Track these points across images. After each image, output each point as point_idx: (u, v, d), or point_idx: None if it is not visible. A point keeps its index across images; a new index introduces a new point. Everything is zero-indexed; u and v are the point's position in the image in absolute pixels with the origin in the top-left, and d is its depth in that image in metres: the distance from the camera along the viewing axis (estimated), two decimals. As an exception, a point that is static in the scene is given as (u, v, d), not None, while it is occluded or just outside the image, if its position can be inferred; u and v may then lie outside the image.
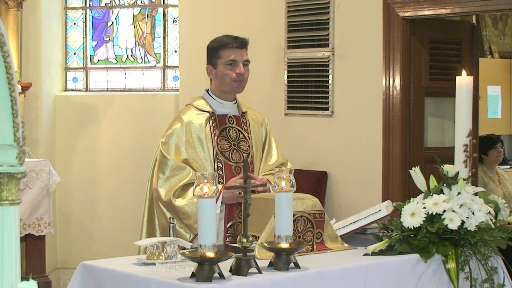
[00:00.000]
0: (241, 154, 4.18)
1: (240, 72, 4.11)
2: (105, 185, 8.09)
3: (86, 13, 8.38)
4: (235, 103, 4.26)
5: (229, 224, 4.04)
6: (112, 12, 8.40)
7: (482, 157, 7.17)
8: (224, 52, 4.12)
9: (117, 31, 8.40)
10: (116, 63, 8.39)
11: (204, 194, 2.98)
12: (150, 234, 4.17)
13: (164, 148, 4.08)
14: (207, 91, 4.25)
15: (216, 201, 3.87)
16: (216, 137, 4.14)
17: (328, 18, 6.58)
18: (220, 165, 4.11)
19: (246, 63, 4.16)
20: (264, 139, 4.35)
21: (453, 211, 3.53)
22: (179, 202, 3.97)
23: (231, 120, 4.22)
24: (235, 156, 4.16)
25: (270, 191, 3.91)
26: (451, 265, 3.47)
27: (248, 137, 4.25)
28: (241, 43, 4.15)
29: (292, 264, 3.18)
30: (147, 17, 8.34)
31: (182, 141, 4.08)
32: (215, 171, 4.07)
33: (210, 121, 4.16)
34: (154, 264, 3.24)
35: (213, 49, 4.17)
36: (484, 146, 7.14)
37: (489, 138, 7.29)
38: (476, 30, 6.75)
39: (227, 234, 4.03)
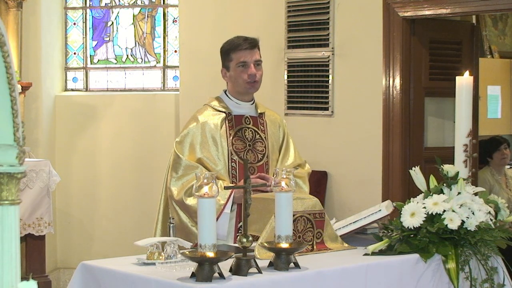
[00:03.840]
0: (256, 154, 4.21)
1: (251, 73, 4.14)
2: (105, 185, 8.09)
3: (86, 13, 8.38)
4: (252, 104, 4.30)
5: (240, 224, 4.05)
6: (112, 12, 8.40)
7: (488, 160, 7.15)
8: (235, 55, 4.16)
9: (117, 31, 8.40)
10: (116, 63, 8.39)
11: (204, 194, 2.98)
12: (164, 230, 4.20)
13: (178, 148, 4.13)
14: (225, 91, 4.29)
15: (227, 201, 3.92)
16: (231, 137, 4.17)
17: (328, 18, 6.58)
18: (234, 165, 4.15)
19: (257, 63, 4.19)
20: (282, 140, 4.37)
21: (453, 211, 3.53)
22: (190, 201, 4.01)
23: (247, 121, 4.25)
24: (250, 157, 4.19)
25: None
26: (451, 265, 3.46)
27: (265, 137, 4.28)
28: (251, 44, 4.18)
29: (292, 264, 3.18)
30: (147, 17, 8.34)
31: (197, 140, 4.13)
32: (229, 171, 4.12)
33: (226, 122, 4.19)
34: (154, 264, 3.24)
35: (225, 52, 4.22)
36: (488, 149, 7.12)
37: (493, 140, 7.26)
38: (476, 30, 6.75)
39: (237, 234, 4.04)
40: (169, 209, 4.22)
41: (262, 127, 4.29)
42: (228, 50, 4.19)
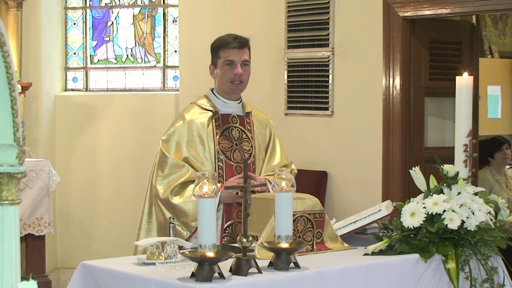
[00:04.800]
0: (243, 154, 4.17)
1: (237, 73, 4.09)
2: (105, 185, 8.09)
3: (86, 13, 8.38)
4: (239, 103, 4.25)
5: (227, 224, 4.03)
6: (112, 12, 8.40)
7: (489, 160, 7.15)
8: (223, 53, 4.11)
9: (117, 31, 8.40)
10: (116, 63, 8.39)
11: (204, 194, 2.98)
12: (148, 231, 4.15)
13: (164, 146, 4.09)
14: (212, 90, 4.25)
15: None
16: (218, 136, 4.13)
17: (328, 18, 6.58)
18: (221, 164, 4.10)
19: (245, 63, 4.13)
20: (268, 140, 4.33)
21: (453, 211, 3.53)
22: (176, 200, 3.97)
23: (234, 120, 4.21)
24: (237, 156, 4.15)
25: (269, 191, 3.92)
26: (451, 265, 3.46)
27: (251, 137, 4.23)
28: (240, 43, 4.12)
29: (292, 264, 3.18)
30: (147, 17, 8.34)
31: (184, 139, 4.08)
32: (215, 170, 4.07)
33: (213, 120, 4.15)
34: (154, 264, 3.24)
35: (215, 49, 4.17)
36: (490, 149, 7.12)
37: (495, 140, 7.26)
38: (476, 30, 6.75)
39: (224, 234, 4.02)
40: (153, 209, 4.16)
41: (248, 127, 4.25)
42: (218, 47, 4.14)
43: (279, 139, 4.39)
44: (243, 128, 4.22)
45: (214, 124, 4.15)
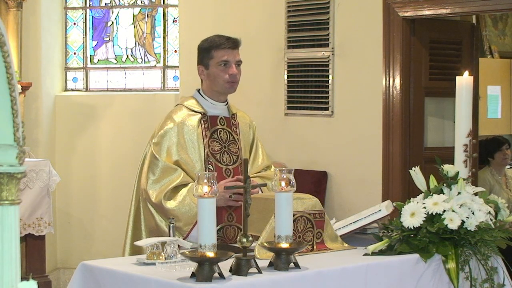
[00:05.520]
0: (231, 156, 4.14)
1: (232, 73, 4.06)
2: (105, 185, 8.09)
3: (86, 13, 8.39)
4: (226, 105, 4.21)
5: (217, 228, 4.00)
6: (112, 12, 8.40)
7: (489, 160, 7.15)
8: (217, 53, 4.07)
9: (117, 31, 8.40)
10: (116, 63, 8.39)
11: (204, 194, 2.98)
12: (135, 235, 4.10)
13: (155, 149, 4.04)
14: (198, 91, 4.20)
15: None
16: (207, 139, 4.09)
17: (328, 18, 6.58)
18: (211, 167, 4.05)
19: (238, 63, 4.10)
20: (252, 142, 4.30)
21: (453, 211, 3.53)
22: (169, 205, 3.92)
23: (222, 122, 4.17)
24: (226, 159, 4.12)
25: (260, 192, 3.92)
26: (451, 265, 3.47)
27: (238, 139, 4.19)
28: (234, 44, 4.09)
29: (292, 264, 3.18)
30: (147, 17, 8.34)
31: (174, 142, 4.03)
32: None
33: (202, 122, 4.10)
34: (154, 264, 3.24)
35: (205, 50, 4.12)
36: (490, 149, 7.12)
37: (495, 140, 7.27)
38: (476, 30, 6.75)
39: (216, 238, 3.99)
40: (141, 212, 4.10)
41: (235, 128, 4.20)
42: (209, 47, 4.10)
43: (260, 140, 4.37)
44: (230, 130, 4.18)
45: (203, 126, 4.09)
